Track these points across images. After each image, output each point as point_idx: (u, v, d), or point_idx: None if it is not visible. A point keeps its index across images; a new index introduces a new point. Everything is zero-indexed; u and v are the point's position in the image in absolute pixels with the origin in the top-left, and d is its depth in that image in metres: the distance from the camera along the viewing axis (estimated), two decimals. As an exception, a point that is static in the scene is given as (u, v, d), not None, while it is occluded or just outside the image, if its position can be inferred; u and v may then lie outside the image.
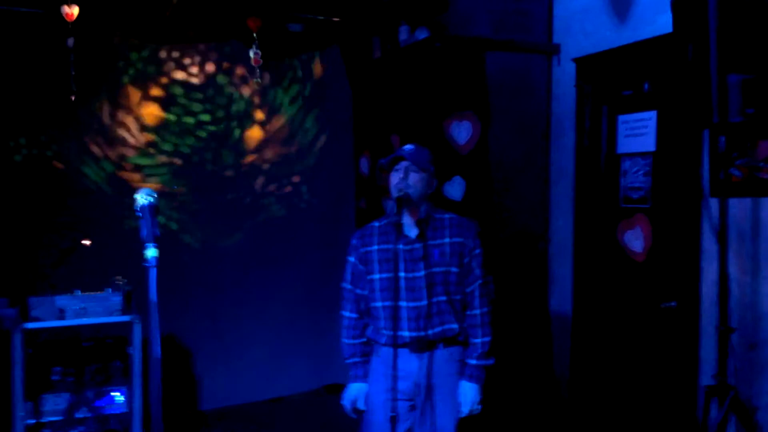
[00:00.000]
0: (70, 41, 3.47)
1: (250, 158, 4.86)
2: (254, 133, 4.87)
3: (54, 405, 3.61)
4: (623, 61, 3.77)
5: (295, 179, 5.04)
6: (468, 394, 2.52)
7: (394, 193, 2.47)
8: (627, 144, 3.71)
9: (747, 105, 2.69)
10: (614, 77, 3.82)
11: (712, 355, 2.93)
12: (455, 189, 3.97)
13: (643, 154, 3.59)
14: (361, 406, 2.60)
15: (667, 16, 3.00)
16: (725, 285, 2.84)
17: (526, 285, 4.19)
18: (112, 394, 3.71)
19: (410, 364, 2.49)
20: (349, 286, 2.63)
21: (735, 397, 2.81)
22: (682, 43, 2.86)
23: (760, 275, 2.99)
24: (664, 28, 3.13)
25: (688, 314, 3.33)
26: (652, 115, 3.51)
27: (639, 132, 3.60)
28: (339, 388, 4.63)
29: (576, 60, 4.10)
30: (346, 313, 2.63)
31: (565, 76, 4.23)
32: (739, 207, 3.06)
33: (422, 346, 2.49)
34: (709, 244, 3.23)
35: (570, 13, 4.23)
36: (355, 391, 2.61)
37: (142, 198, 1.64)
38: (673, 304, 3.38)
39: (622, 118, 3.74)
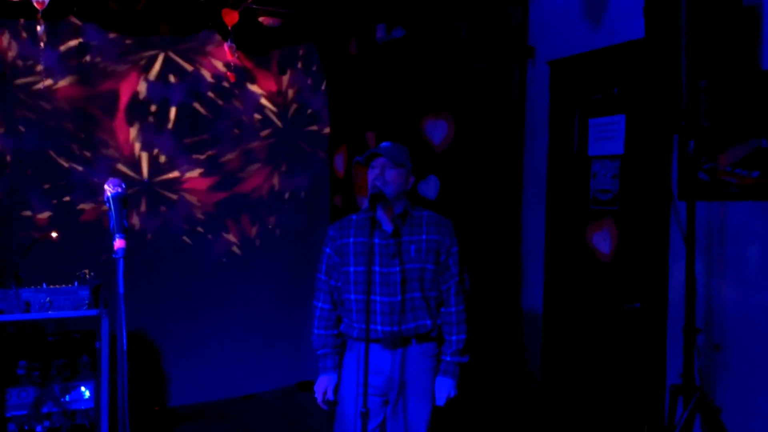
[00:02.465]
0: (40, 29, 3.40)
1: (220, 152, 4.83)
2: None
3: (19, 399, 3.55)
4: (595, 65, 3.82)
5: (270, 175, 5.02)
6: (444, 389, 2.54)
7: (371, 189, 2.47)
8: (597, 147, 3.76)
9: (716, 110, 2.74)
10: (586, 81, 3.87)
11: (679, 356, 2.98)
12: (430, 188, 3.98)
13: (611, 157, 3.64)
14: (330, 397, 2.60)
15: (639, 21, 3.04)
16: (692, 287, 2.89)
17: (500, 283, 4.22)
18: (80, 389, 3.65)
19: (383, 359, 2.50)
20: (323, 277, 2.62)
21: (700, 397, 2.85)
22: (653, 48, 2.91)
23: (725, 278, 3.05)
24: (637, 33, 3.17)
25: (654, 315, 3.39)
26: (621, 119, 3.57)
27: (608, 135, 3.66)
28: (311, 385, 4.63)
29: (550, 63, 4.14)
30: (319, 304, 2.62)
31: (539, 78, 4.27)
32: (707, 210, 3.12)
33: (395, 341, 2.50)
34: (677, 246, 3.29)
35: (545, 16, 4.27)
36: (325, 383, 2.61)
37: (110, 189, 1.62)
38: (636, 305, 3.46)
39: (592, 121, 3.80)
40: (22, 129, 4.13)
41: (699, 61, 2.71)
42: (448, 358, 2.55)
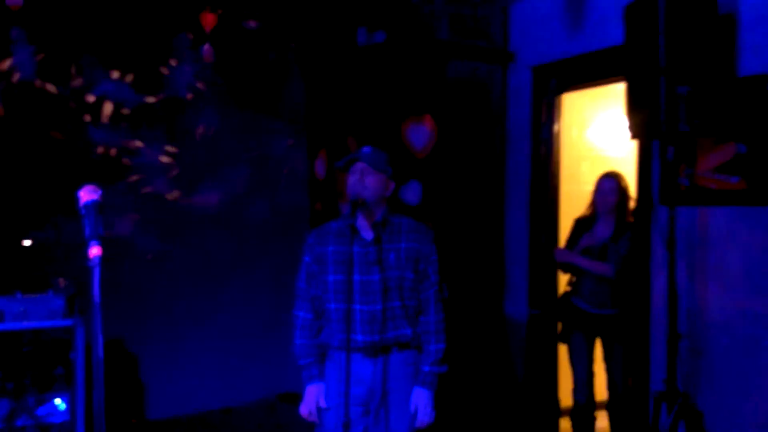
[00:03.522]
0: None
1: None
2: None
3: (-8, 412, 3.45)
4: (577, 70, 3.84)
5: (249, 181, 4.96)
6: (421, 400, 2.51)
7: (350, 195, 2.44)
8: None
9: (695, 116, 2.75)
10: (568, 86, 3.89)
11: (663, 361, 2.98)
12: (412, 193, 3.96)
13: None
14: (323, 405, 2.54)
15: (620, 27, 3.06)
16: (674, 292, 2.90)
17: (483, 288, 4.21)
18: (54, 401, 3.56)
19: (364, 368, 2.46)
20: (303, 285, 2.58)
21: (684, 403, 2.86)
22: (632, 54, 2.93)
23: (708, 283, 3.06)
24: (618, 39, 3.18)
25: (638, 321, 3.40)
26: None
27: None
28: (292, 397, 4.57)
29: (533, 68, 4.15)
30: (300, 313, 2.58)
31: (521, 83, 4.28)
32: (688, 216, 3.13)
33: (376, 350, 2.46)
34: (658, 252, 3.30)
35: (527, 21, 4.28)
36: (315, 392, 2.56)
37: (86, 195, 1.57)
38: (536, 311, 3.98)
39: (575, 126, 3.82)
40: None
41: (677, 67, 2.73)
42: (427, 368, 2.52)
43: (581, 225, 3.70)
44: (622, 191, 3.59)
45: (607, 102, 4.60)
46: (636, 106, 2.95)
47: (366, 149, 2.50)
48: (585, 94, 4.39)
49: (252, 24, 4.21)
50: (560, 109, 4.28)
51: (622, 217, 3.58)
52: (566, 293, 3.69)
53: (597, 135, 4.79)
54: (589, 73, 3.86)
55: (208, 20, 3.82)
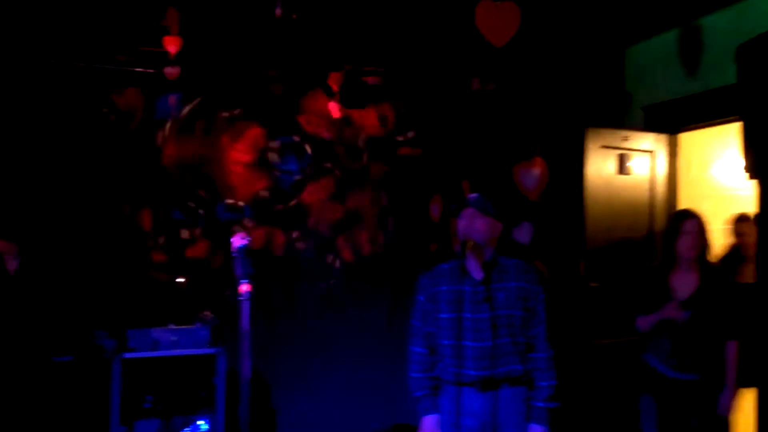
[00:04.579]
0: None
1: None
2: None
3: (145, 430, 3.89)
4: (692, 110, 3.85)
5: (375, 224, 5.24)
6: None
7: (461, 237, 2.63)
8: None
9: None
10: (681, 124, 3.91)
11: None
12: (524, 234, 4.08)
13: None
14: None
15: (732, 67, 3.07)
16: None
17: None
18: (198, 422, 3.96)
19: (476, 402, 2.59)
20: (418, 323, 2.77)
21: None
22: (746, 93, 2.93)
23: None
24: (731, 78, 3.18)
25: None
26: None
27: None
28: (407, 428, 4.73)
29: (645, 108, 4.19)
30: (416, 348, 2.76)
31: (636, 123, 4.31)
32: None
33: (487, 385, 2.59)
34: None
35: (642, 63, 4.32)
36: (430, 423, 2.69)
37: (238, 241, 1.88)
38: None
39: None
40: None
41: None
42: (540, 404, 2.61)
43: (652, 277, 3.18)
44: (705, 233, 3.12)
45: (730, 139, 4.51)
46: (751, 145, 2.94)
47: (473, 195, 2.70)
48: (706, 133, 4.32)
49: (373, 80, 4.55)
50: (677, 147, 4.26)
51: (706, 264, 3.12)
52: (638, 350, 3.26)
53: (720, 173, 4.67)
54: (704, 112, 3.85)
55: (335, 79, 4.20)
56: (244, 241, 1.87)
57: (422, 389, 2.72)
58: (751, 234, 3.46)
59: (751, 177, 3.03)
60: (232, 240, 1.87)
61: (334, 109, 4.28)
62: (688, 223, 3.09)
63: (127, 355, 3.79)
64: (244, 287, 1.77)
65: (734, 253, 3.90)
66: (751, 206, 3.59)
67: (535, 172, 4.11)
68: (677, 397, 3.08)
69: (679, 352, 3.06)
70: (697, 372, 3.06)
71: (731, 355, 3.06)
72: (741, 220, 3.77)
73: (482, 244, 2.63)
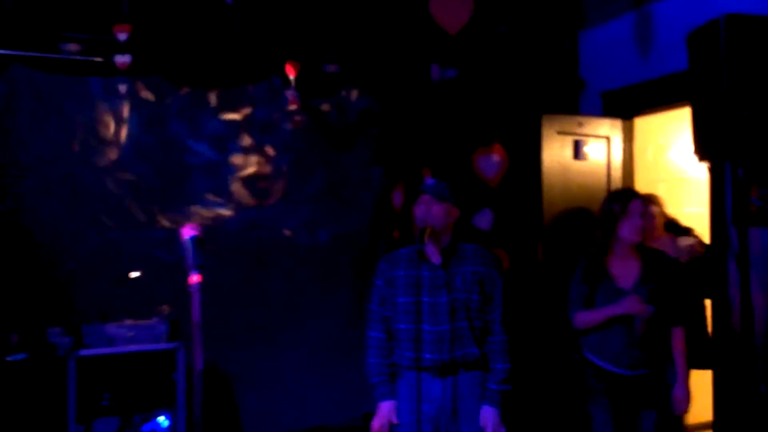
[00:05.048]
0: (123, 87, 3.77)
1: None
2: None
3: (104, 429, 3.81)
4: (644, 96, 3.91)
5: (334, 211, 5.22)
6: (489, 418, 2.62)
7: (419, 223, 2.63)
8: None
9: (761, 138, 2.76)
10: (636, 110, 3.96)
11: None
12: (484, 220, 4.10)
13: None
14: (395, 420, 2.69)
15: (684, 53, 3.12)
16: (749, 313, 2.88)
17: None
18: (158, 418, 3.89)
19: (434, 387, 2.61)
20: (375, 308, 2.78)
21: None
22: (696, 79, 2.98)
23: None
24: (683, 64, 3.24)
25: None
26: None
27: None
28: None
29: (602, 94, 4.24)
30: (374, 333, 2.77)
31: (592, 109, 4.36)
32: (763, 237, 3.11)
33: (444, 370, 2.61)
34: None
35: (596, 49, 4.37)
36: (387, 408, 2.71)
37: (188, 231, 1.84)
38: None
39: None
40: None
41: (741, 91, 2.76)
42: (494, 386, 2.64)
43: (590, 266, 2.90)
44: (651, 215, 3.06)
45: (686, 124, 4.59)
46: (700, 130, 2.99)
47: (430, 181, 2.71)
48: (662, 118, 4.39)
49: (332, 68, 4.51)
50: (632, 132, 4.33)
51: (645, 249, 2.91)
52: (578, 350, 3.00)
53: (677, 157, 4.76)
54: (659, 98, 3.91)
55: (294, 68, 4.16)
56: (194, 232, 1.84)
57: (379, 375, 2.73)
58: (657, 215, 3.41)
59: (701, 160, 3.09)
60: (182, 231, 1.84)
61: (292, 98, 4.23)
62: (634, 204, 2.84)
63: (83, 353, 3.70)
64: (195, 278, 1.74)
65: None
66: (707, 190, 3.67)
67: (495, 158, 4.13)
68: (631, 396, 2.84)
69: (634, 347, 2.79)
70: (648, 366, 2.83)
71: (679, 343, 2.87)
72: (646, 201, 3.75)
73: (440, 229, 2.64)
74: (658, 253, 2.94)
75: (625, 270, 2.85)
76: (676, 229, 3.56)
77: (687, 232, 3.54)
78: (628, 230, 2.81)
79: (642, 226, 2.82)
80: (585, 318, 2.86)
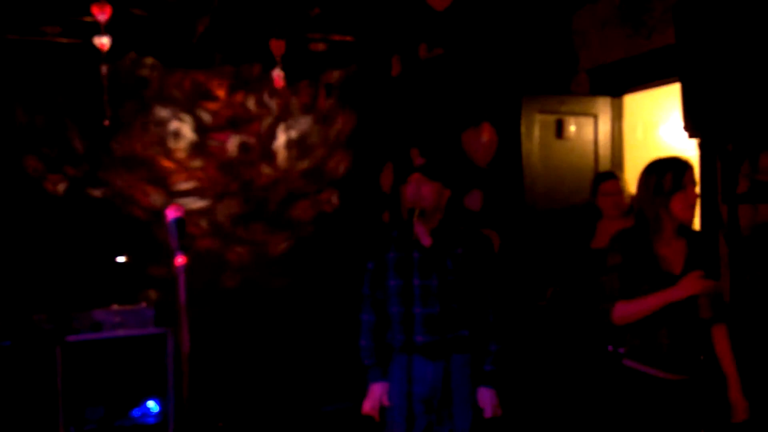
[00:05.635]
0: (104, 69, 3.69)
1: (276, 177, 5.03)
2: (281, 155, 5.05)
3: (93, 414, 3.79)
4: (632, 70, 3.89)
5: (323, 196, 5.18)
6: (487, 399, 2.62)
7: (409, 205, 2.60)
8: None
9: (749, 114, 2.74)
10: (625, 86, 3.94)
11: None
12: (474, 201, 4.08)
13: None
14: (385, 402, 2.69)
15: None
16: (738, 293, 2.88)
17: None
18: (148, 403, 3.88)
19: (426, 369, 2.60)
20: (367, 291, 2.76)
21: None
22: (684, 53, 2.94)
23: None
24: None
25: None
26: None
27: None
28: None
29: (589, 71, 4.20)
30: (365, 317, 2.75)
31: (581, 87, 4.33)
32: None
33: (436, 352, 2.60)
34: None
35: (586, 27, 4.33)
36: (378, 390, 2.71)
37: (172, 213, 1.81)
38: None
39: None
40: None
41: (730, 64, 2.73)
42: (488, 367, 2.63)
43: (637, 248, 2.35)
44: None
45: (676, 100, 4.56)
46: (690, 105, 2.96)
47: (420, 161, 2.67)
48: (652, 95, 4.36)
49: (319, 47, 4.46)
50: (621, 110, 4.30)
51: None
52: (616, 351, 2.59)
53: (667, 134, 4.74)
54: (647, 73, 3.88)
55: (278, 47, 4.09)
56: (179, 213, 1.80)
57: (371, 357, 2.71)
58: (617, 193, 3.34)
59: (691, 136, 3.06)
60: (166, 212, 1.80)
61: (278, 78, 4.17)
62: (689, 175, 2.42)
63: (70, 339, 3.66)
64: (180, 259, 1.70)
65: (589, 211, 3.66)
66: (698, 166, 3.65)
67: (484, 138, 4.10)
68: (677, 407, 2.29)
69: (677, 345, 2.29)
70: (689, 370, 2.32)
71: (724, 339, 2.38)
72: (605, 177, 3.70)
73: (430, 210, 2.60)
74: (700, 235, 2.53)
75: (671, 252, 2.36)
76: None
77: None
78: (681, 206, 2.34)
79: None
80: (628, 309, 2.29)
